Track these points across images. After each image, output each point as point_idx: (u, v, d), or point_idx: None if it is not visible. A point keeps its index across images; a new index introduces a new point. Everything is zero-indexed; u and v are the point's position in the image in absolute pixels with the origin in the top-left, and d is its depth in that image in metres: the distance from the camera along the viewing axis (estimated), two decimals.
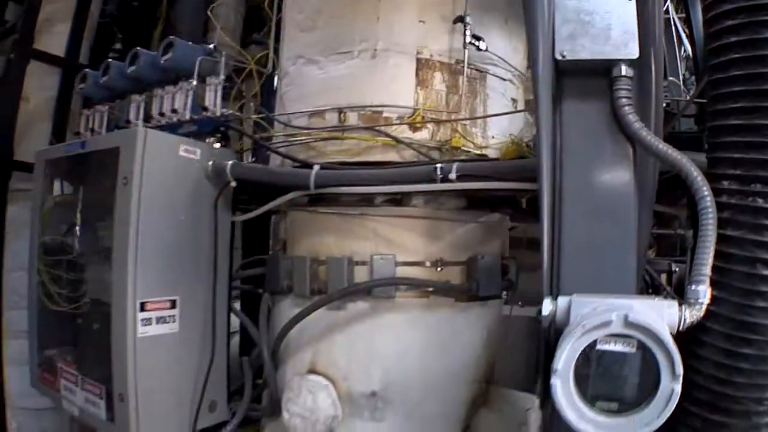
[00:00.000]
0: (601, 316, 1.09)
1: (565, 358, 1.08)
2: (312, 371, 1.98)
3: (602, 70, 1.31)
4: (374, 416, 1.95)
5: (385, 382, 1.94)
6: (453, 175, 1.75)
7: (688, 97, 3.46)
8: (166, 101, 2.27)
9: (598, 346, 1.10)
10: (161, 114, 2.26)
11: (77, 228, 2.16)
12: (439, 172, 1.76)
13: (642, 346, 1.08)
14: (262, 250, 2.60)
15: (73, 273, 2.18)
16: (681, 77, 3.86)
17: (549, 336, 1.21)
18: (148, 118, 2.33)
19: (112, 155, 1.94)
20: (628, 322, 1.06)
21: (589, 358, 1.10)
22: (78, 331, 2.23)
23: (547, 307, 1.18)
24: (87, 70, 2.65)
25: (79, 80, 2.71)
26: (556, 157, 1.33)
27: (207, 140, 2.05)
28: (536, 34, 1.31)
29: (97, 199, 2.11)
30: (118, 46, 3.35)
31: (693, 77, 3.74)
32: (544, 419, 1.45)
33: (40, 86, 3.14)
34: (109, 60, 2.53)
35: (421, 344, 1.96)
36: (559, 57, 1.29)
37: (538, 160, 1.30)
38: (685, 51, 3.93)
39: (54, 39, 3.18)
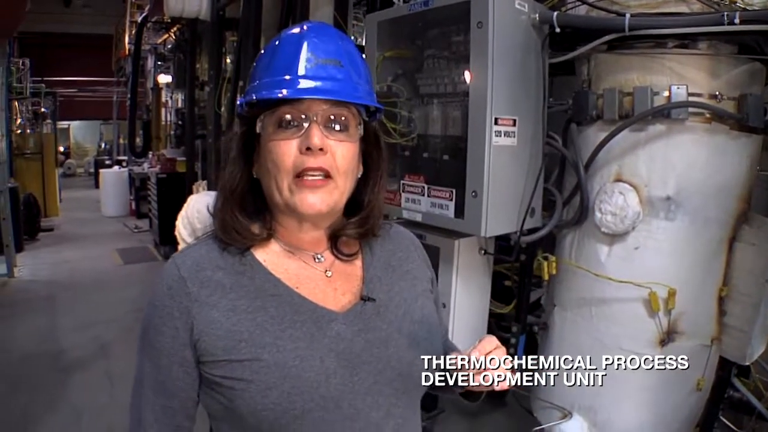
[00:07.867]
0: None
1: None
2: (618, 180, 2.50)
3: None
4: (668, 216, 2.45)
5: (677, 189, 2.44)
6: (737, 20, 2.24)
7: None
8: None
9: None
10: None
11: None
12: (725, 18, 2.25)
13: None
14: None
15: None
16: None
17: None
18: None
19: (457, 9, 2.47)
20: None
21: None
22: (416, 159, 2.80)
23: None
24: None
25: None
26: None
27: None
28: None
29: (437, 49, 2.67)
30: None
31: None
32: None
33: None
34: None
35: (704, 160, 2.44)
36: None
37: None
38: None
39: None
